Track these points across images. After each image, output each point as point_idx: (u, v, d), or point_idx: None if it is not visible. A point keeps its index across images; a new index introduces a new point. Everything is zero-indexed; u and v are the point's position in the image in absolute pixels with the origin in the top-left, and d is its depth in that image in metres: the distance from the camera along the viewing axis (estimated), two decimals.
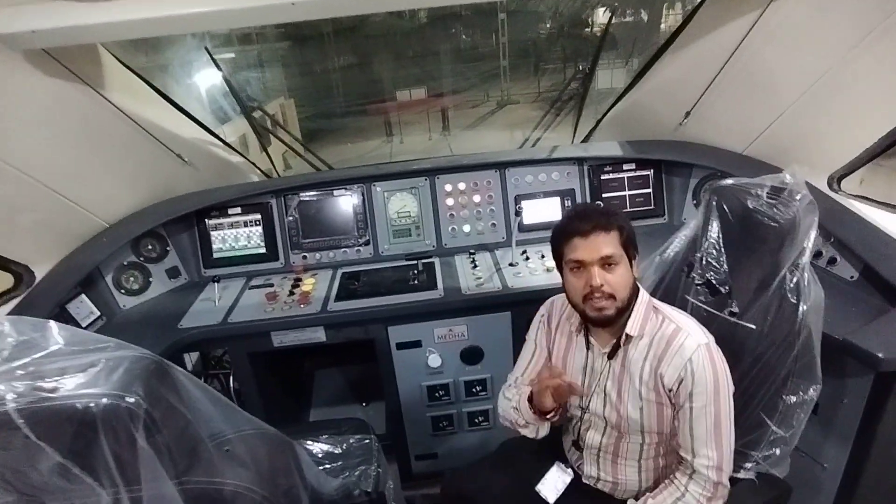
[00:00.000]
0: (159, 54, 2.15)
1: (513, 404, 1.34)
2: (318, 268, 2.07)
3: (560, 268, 1.22)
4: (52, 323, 0.65)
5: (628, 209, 2.11)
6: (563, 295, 1.26)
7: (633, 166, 2.10)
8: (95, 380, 0.60)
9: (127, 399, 0.60)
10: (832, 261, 1.64)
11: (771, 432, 1.19)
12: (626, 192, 2.11)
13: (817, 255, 1.68)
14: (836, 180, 1.77)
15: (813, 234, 1.13)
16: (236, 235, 2.08)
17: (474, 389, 1.93)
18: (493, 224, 2.10)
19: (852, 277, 1.58)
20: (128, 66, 1.86)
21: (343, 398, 2.42)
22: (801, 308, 1.16)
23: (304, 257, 2.09)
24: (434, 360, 1.85)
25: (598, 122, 2.42)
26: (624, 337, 1.17)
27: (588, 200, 2.07)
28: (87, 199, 1.86)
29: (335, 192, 2.10)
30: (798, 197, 1.11)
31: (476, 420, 1.99)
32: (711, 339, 1.13)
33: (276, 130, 2.75)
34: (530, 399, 1.29)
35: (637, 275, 1.19)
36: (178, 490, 0.67)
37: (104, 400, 0.59)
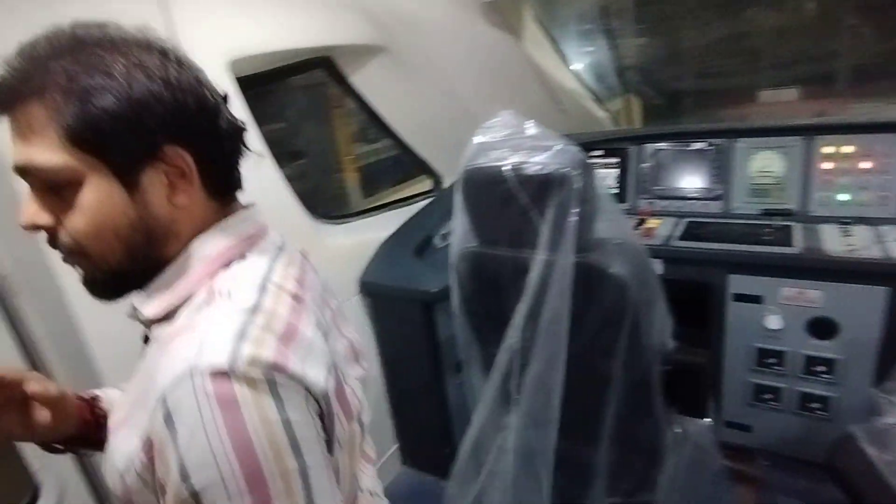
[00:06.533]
0: (562, 20, 2.62)
1: None
2: (662, 215, 2.23)
3: None
4: (531, 122, 1.02)
5: None
6: None
7: None
8: (553, 157, 0.94)
9: (572, 171, 0.91)
10: None
11: None
12: None
13: None
14: None
15: None
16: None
17: (816, 368, 1.79)
18: (884, 196, 1.87)
19: None
20: (539, 21, 2.37)
21: None
22: None
23: (651, 203, 2.27)
24: (773, 322, 1.80)
25: None
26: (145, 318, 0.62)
27: None
28: None
29: (693, 145, 2.20)
30: None
31: (809, 405, 1.84)
32: (247, 362, 0.50)
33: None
34: None
35: (166, 203, 0.58)
36: (576, 260, 0.96)
37: (559, 169, 0.91)
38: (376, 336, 2.09)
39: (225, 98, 0.62)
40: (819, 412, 1.83)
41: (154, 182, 0.55)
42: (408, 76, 2.19)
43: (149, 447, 0.51)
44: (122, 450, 0.54)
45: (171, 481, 0.49)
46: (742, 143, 2.11)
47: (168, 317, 0.58)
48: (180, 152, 0.55)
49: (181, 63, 0.57)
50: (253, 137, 1.61)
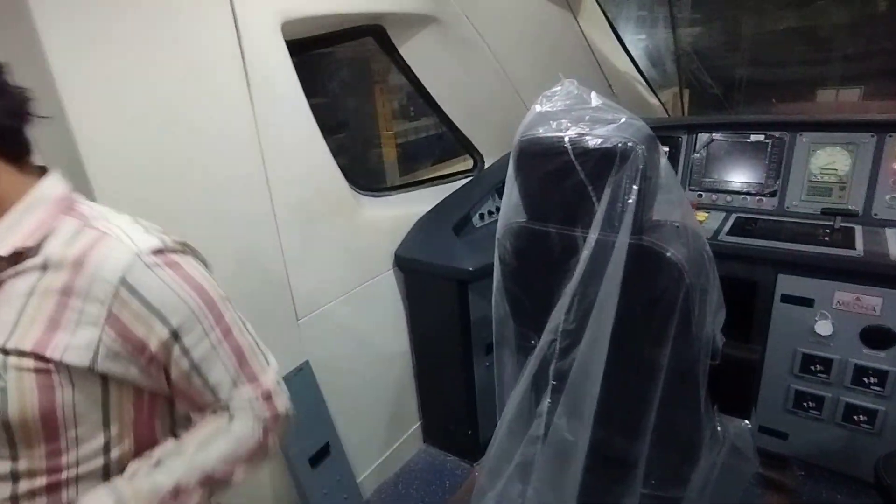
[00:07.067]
0: (620, 2, 2.53)
1: None
2: (710, 208, 2.15)
3: None
4: (594, 93, 0.98)
5: None
6: None
7: None
8: (616, 131, 0.89)
9: (638, 146, 0.86)
10: None
11: None
12: None
13: None
14: None
15: None
16: None
17: (866, 379, 1.71)
18: None
19: None
20: (598, 1, 2.29)
21: None
22: None
23: (700, 196, 2.19)
24: (824, 328, 1.72)
25: None
26: None
27: None
28: None
29: (751, 137, 2.11)
30: None
31: (855, 417, 1.76)
32: (170, 241, 0.72)
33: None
34: None
35: None
36: (630, 241, 0.91)
37: (623, 143, 0.87)
38: (408, 311, 2.08)
39: (1, 67, 0.67)
40: (864, 425, 1.74)
41: None
42: (457, 50, 2.14)
43: (114, 322, 0.65)
44: (73, 349, 0.64)
45: (152, 335, 0.67)
46: (805, 138, 2.00)
47: (31, 251, 0.66)
48: None
49: None
50: (300, 102, 1.63)
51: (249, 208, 1.47)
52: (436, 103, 2.30)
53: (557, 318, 0.99)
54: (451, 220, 2.05)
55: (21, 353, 0.63)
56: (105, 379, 0.68)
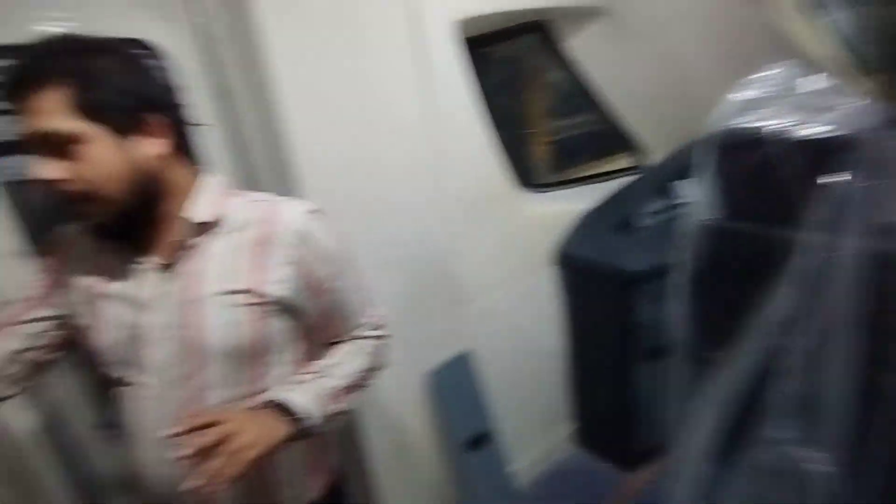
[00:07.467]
0: None
1: None
2: None
3: None
4: (814, 75, 0.86)
5: None
6: None
7: None
8: (842, 118, 0.78)
9: (868, 136, 0.74)
10: None
11: None
12: None
13: None
14: None
15: None
16: None
17: None
18: None
19: None
20: None
21: None
22: None
23: None
24: None
25: None
26: (192, 228, 0.82)
27: None
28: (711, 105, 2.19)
29: None
30: None
31: None
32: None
33: None
34: None
35: (149, 155, 0.78)
36: (859, 245, 0.79)
37: (851, 132, 0.75)
38: (566, 309, 2.03)
39: (179, 91, 0.84)
40: None
41: (140, 141, 0.76)
42: (625, 41, 2.05)
43: (301, 262, 0.84)
44: (277, 284, 0.83)
45: (323, 273, 0.87)
46: None
47: (215, 224, 0.83)
48: (156, 119, 0.77)
49: (153, 58, 0.83)
50: (471, 98, 1.67)
51: (419, 199, 1.55)
52: (597, 98, 2.22)
53: (766, 333, 0.88)
54: (614, 217, 1.96)
55: (242, 292, 0.81)
56: (293, 311, 0.86)
